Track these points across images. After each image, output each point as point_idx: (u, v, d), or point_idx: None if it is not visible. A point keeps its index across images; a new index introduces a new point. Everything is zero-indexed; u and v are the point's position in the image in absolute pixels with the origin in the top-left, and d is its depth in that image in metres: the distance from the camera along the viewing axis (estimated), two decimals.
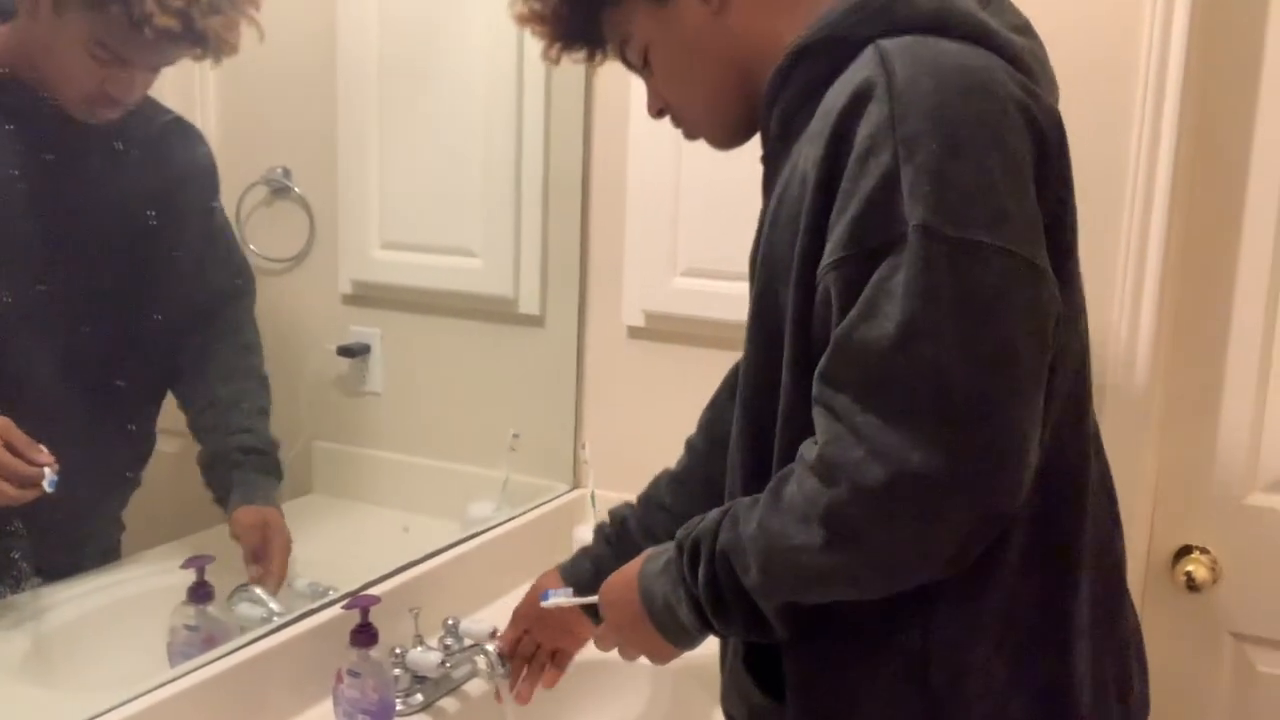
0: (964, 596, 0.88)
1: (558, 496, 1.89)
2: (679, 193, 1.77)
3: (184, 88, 1.73)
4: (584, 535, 1.74)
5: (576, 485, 1.93)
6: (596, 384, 1.93)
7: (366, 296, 1.91)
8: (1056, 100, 0.94)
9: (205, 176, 1.46)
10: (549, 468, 1.92)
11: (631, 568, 1.05)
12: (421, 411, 1.91)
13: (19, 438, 1.18)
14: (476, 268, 1.89)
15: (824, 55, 0.90)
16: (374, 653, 1.26)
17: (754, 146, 1.05)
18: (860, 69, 0.84)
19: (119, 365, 1.38)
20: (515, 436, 1.86)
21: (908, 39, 0.85)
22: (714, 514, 0.95)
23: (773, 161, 1.00)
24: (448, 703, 1.36)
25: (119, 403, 1.41)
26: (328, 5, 1.79)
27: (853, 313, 0.79)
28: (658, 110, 1.08)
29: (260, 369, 1.53)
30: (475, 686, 1.39)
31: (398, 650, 1.33)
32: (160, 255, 1.39)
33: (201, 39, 1.18)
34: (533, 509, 1.83)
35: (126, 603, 1.42)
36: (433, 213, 1.86)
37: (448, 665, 1.34)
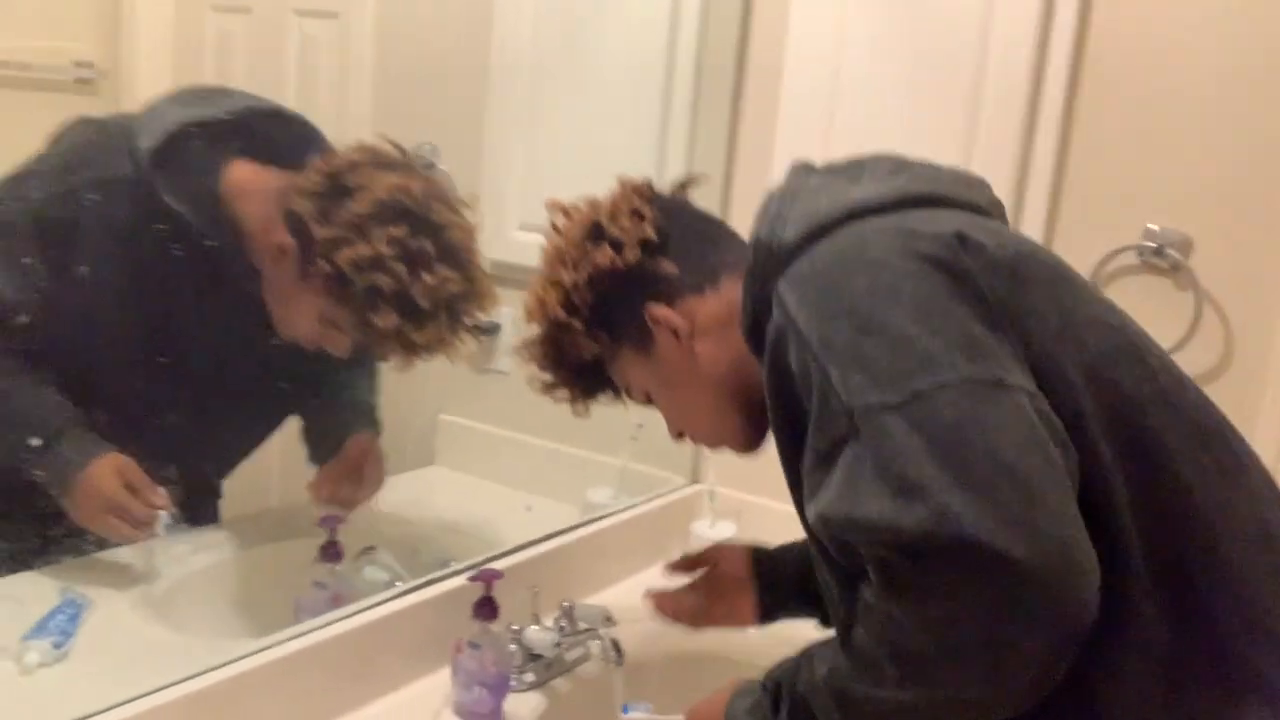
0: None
1: (675, 490, 1.89)
2: None
3: (341, 60, 1.78)
4: (702, 530, 1.74)
5: (694, 480, 1.93)
6: None
7: (502, 277, 1.92)
8: (986, 203, 0.99)
9: None
10: (668, 460, 1.91)
11: (719, 699, 1.07)
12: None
13: (139, 479, 1.24)
14: None
15: (761, 329, 0.95)
16: (494, 627, 1.27)
17: None
18: (774, 320, 0.91)
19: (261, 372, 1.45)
20: (639, 426, 1.86)
21: (794, 269, 0.91)
22: (796, 656, 0.98)
23: None
24: (559, 683, 1.37)
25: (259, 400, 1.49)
26: None
27: (840, 503, 0.81)
28: (677, 434, 1.17)
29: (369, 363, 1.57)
30: (587, 669, 1.40)
31: (514, 627, 1.34)
32: None
33: (413, 349, 1.27)
34: (651, 500, 1.83)
35: (262, 555, 1.46)
36: (573, 197, 1.87)
37: (562, 646, 1.35)
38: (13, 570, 1.23)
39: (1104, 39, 1.51)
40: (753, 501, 1.77)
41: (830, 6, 1.68)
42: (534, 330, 1.15)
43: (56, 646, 1.13)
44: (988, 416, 0.78)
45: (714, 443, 1.17)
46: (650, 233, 1.09)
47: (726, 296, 1.07)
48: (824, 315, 0.85)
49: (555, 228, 1.15)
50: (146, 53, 1.58)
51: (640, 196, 1.12)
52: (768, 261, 0.94)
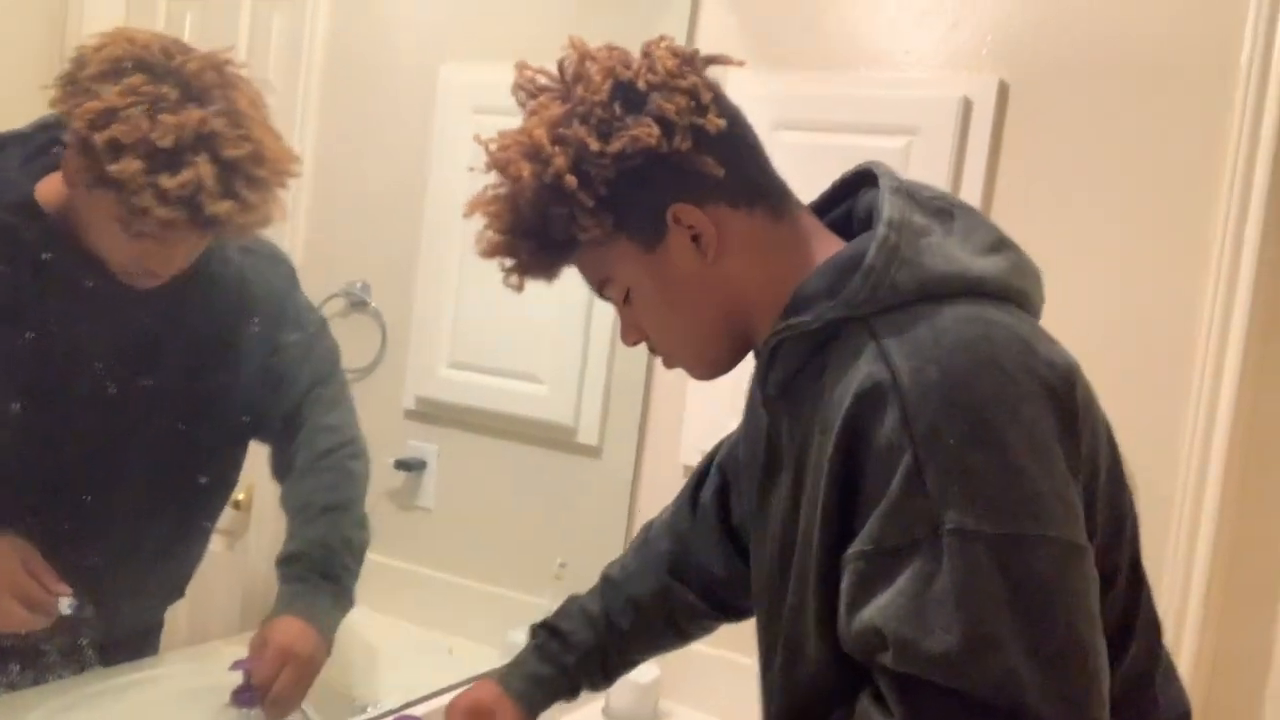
0: None
1: None
2: None
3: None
4: None
5: None
6: (648, 519, 1.92)
7: (429, 413, 1.94)
8: (1042, 303, 0.96)
9: (276, 299, 1.46)
10: None
11: None
12: (470, 531, 1.91)
13: (38, 564, 1.19)
14: (540, 394, 1.91)
15: (818, 335, 0.91)
16: None
17: None
18: (862, 361, 0.84)
19: (197, 463, 1.40)
20: (561, 565, 1.85)
21: (901, 319, 0.85)
22: None
23: (775, 416, 1.00)
24: None
25: (195, 497, 1.43)
26: (424, 134, 1.87)
27: (903, 625, 0.77)
28: (634, 340, 1.02)
29: (341, 461, 1.48)
30: None
31: None
32: (207, 362, 1.38)
33: (213, 223, 1.13)
34: None
35: (170, 697, 1.41)
36: (503, 336, 1.90)
37: None
38: None
39: (1008, 200, 1.61)
40: None
41: None
42: (514, 184, 0.94)
43: None
44: (1072, 583, 0.78)
45: (679, 360, 1.03)
46: (713, 125, 0.92)
47: (759, 223, 0.95)
48: (940, 404, 0.79)
49: (568, 69, 0.95)
50: None
51: (695, 71, 0.94)
52: (871, 295, 0.87)
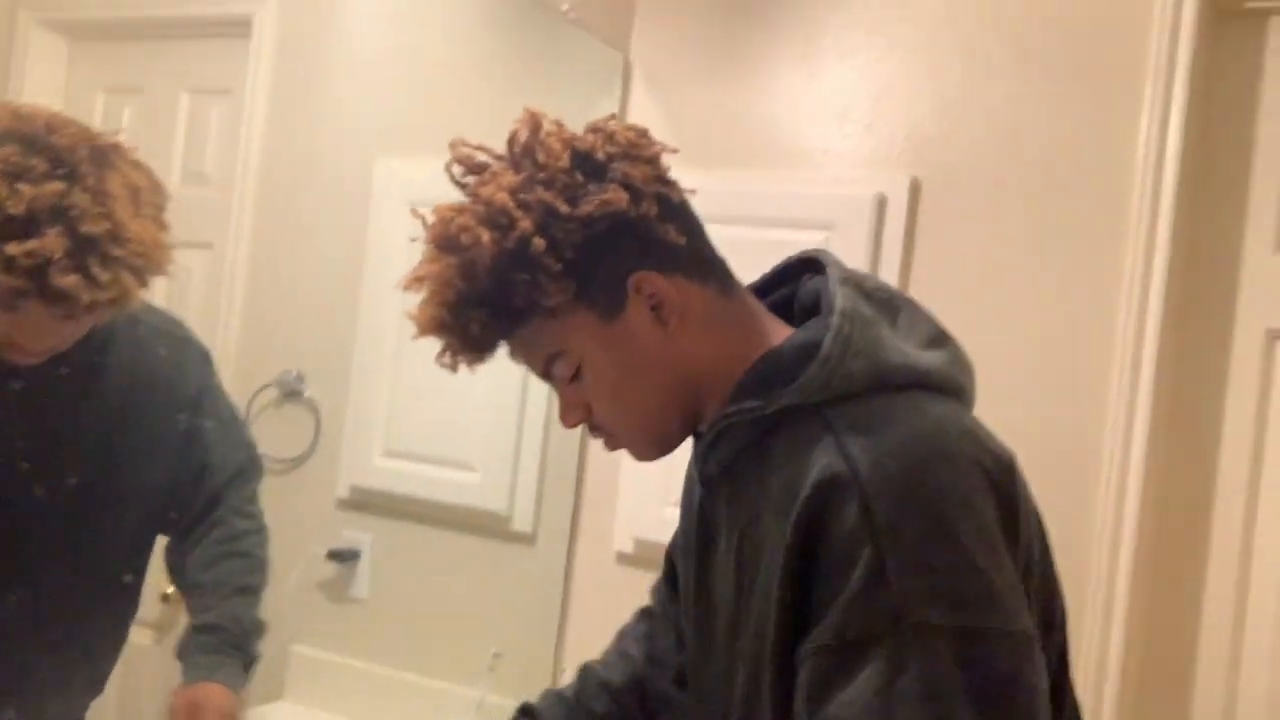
0: None
1: None
2: None
3: (212, 290, 1.82)
4: None
5: None
6: (582, 608, 1.93)
7: (363, 503, 1.93)
8: (974, 397, 0.96)
9: (195, 385, 1.45)
10: (528, 690, 1.87)
11: None
12: (404, 622, 1.89)
13: None
14: (474, 482, 1.92)
15: (768, 421, 0.90)
16: None
17: None
18: (818, 452, 0.84)
19: (120, 558, 1.39)
20: (496, 656, 1.85)
21: (855, 410, 0.86)
22: None
23: (713, 494, 0.99)
24: None
25: (121, 593, 1.41)
26: (360, 227, 1.90)
27: (869, 710, 0.77)
28: (576, 421, 0.98)
29: (253, 549, 1.49)
30: None
31: None
32: (131, 457, 1.37)
33: (61, 298, 1.08)
34: None
35: None
36: (437, 425, 1.91)
37: None
38: None
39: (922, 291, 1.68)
40: None
41: None
42: (469, 253, 0.89)
43: None
44: (1027, 676, 0.78)
45: (625, 439, 1.00)
46: (678, 193, 0.93)
47: (711, 297, 0.94)
48: (899, 497, 0.79)
49: (521, 140, 0.93)
50: None
51: (650, 144, 0.94)
52: (826, 383, 0.88)
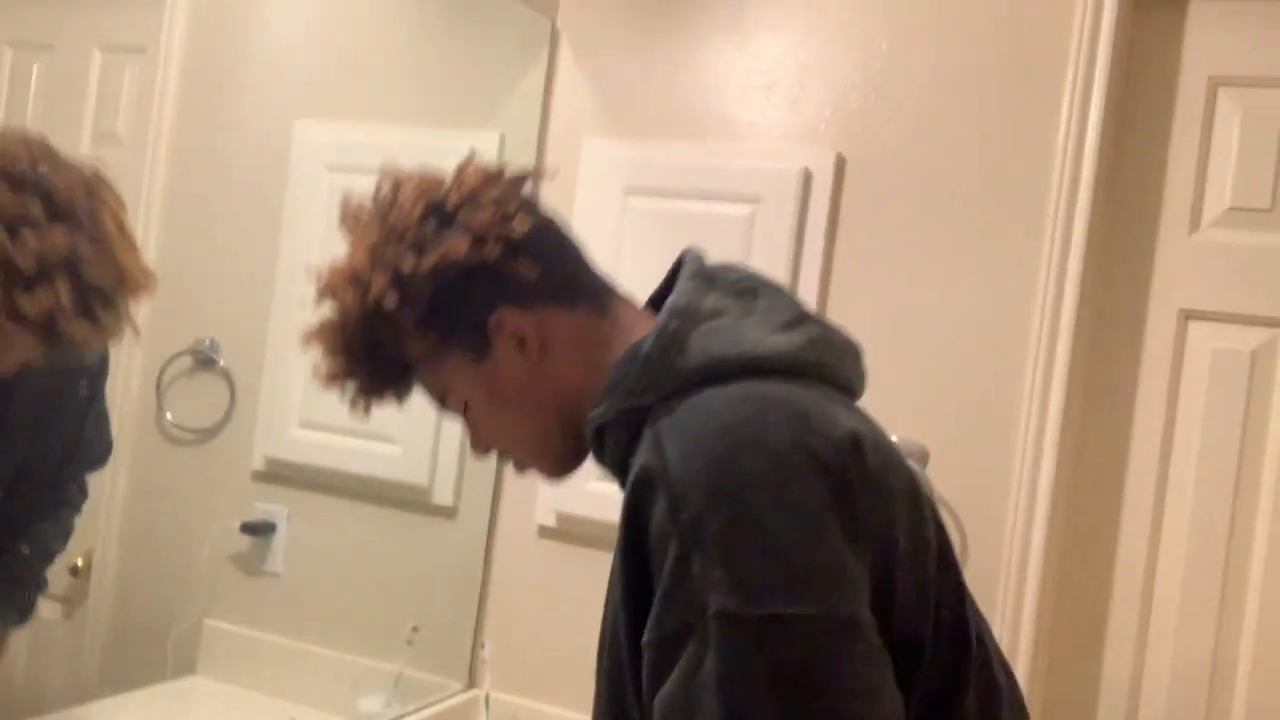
0: None
1: (451, 696, 1.84)
2: None
3: None
4: None
5: (472, 685, 1.89)
6: (503, 582, 1.92)
7: (278, 474, 1.89)
8: (856, 375, 0.98)
9: (101, 358, 1.43)
10: (446, 665, 1.87)
11: None
12: (320, 596, 1.86)
13: None
14: (394, 454, 1.89)
15: (621, 425, 0.93)
16: None
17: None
18: (641, 450, 0.87)
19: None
20: (415, 630, 1.83)
21: (678, 405, 0.87)
22: None
23: None
24: None
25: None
26: (278, 192, 1.86)
27: (673, 711, 0.79)
28: (484, 450, 1.05)
29: (67, 517, 1.46)
30: None
31: None
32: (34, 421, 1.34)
33: (63, 341, 1.11)
34: (425, 707, 1.77)
35: None
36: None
37: None
38: None
39: (847, 266, 1.69)
40: (528, 706, 1.74)
41: (606, 225, 1.81)
42: (341, 311, 0.97)
43: None
44: (836, 661, 0.79)
45: (529, 464, 1.05)
46: (519, 230, 0.96)
47: (581, 319, 0.98)
48: (705, 489, 0.81)
49: (382, 195, 0.99)
50: None
51: (499, 185, 0.99)
52: (651, 383, 0.90)
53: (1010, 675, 0.99)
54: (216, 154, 1.82)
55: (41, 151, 1.12)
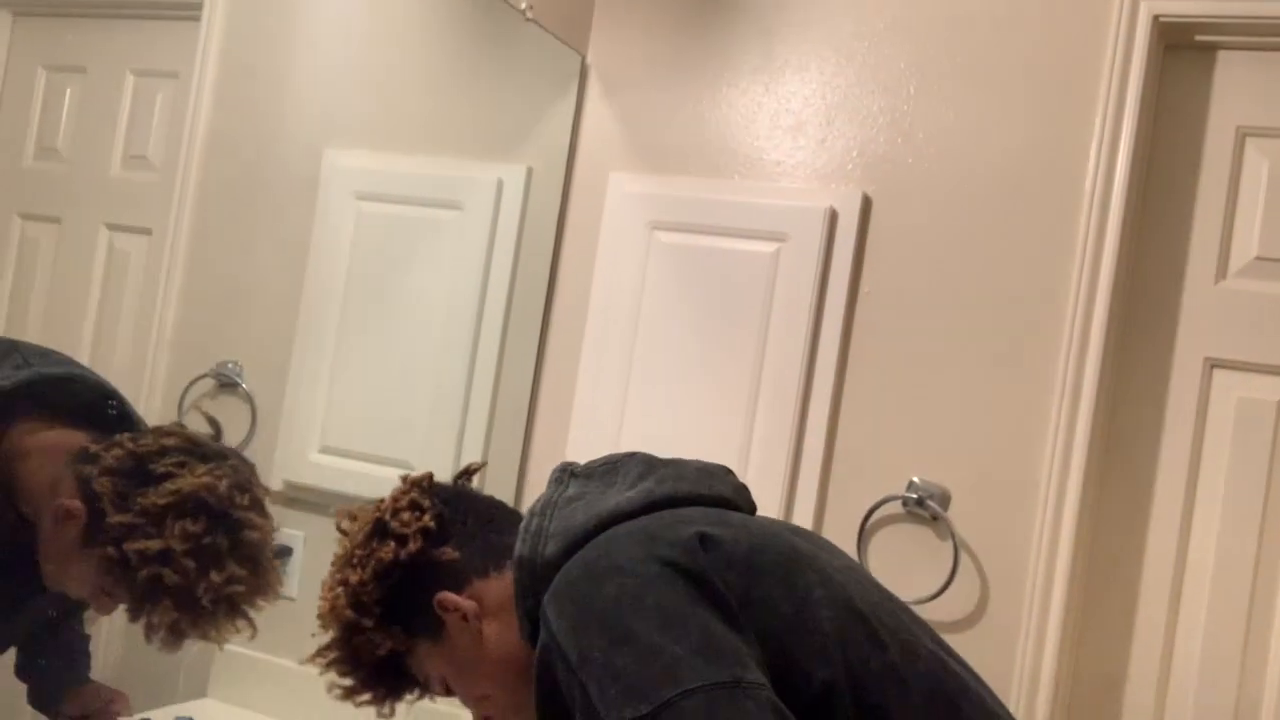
0: None
1: None
2: (623, 418, 1.81)
3: (150, 276, 1.77)
4: None
5: None
6: None
7: (297, 498, 1.89)
8: (725, 487, 1.09)
9: None
10: None
11: None
12: None
13: None
14: None
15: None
16: None
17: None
18: (541, 639, 0.97)
19: None
20: None
21: (555, 583, 0.98)
22: None
23: None
24: None
25: None
26: (306, 219, 1.87)
27: None
28: (484, 717, 1.16)
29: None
30: None
31: None
32: None
33: (183, 636, 1.23)
34: None
35: None
36: (377, 423, 1.88)
37: None
38: None
39: (871, 305, 1.69)
40: None
41: (631, 259, 1.81)
42: (327, 637, 1.15)
43: None
44: (726, 715, 0.85)
45: (512, 714, 1.16)
46: (429, 522, 1.13)
47: (506, 580, 1.10)
48: (579, 629, 0.92)
49: (342, 532, 1.18)
50: None
51: (419, 489, 1.17)
52: (532, 579, 1.02)
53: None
54: (246, 180, 1.83)
55: (241, 484, 1.26)
